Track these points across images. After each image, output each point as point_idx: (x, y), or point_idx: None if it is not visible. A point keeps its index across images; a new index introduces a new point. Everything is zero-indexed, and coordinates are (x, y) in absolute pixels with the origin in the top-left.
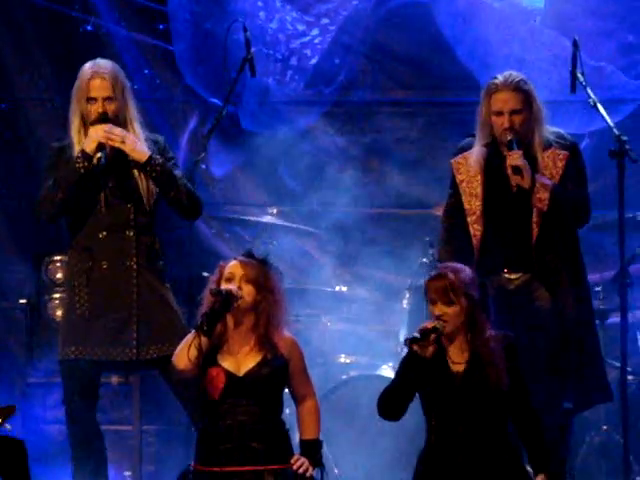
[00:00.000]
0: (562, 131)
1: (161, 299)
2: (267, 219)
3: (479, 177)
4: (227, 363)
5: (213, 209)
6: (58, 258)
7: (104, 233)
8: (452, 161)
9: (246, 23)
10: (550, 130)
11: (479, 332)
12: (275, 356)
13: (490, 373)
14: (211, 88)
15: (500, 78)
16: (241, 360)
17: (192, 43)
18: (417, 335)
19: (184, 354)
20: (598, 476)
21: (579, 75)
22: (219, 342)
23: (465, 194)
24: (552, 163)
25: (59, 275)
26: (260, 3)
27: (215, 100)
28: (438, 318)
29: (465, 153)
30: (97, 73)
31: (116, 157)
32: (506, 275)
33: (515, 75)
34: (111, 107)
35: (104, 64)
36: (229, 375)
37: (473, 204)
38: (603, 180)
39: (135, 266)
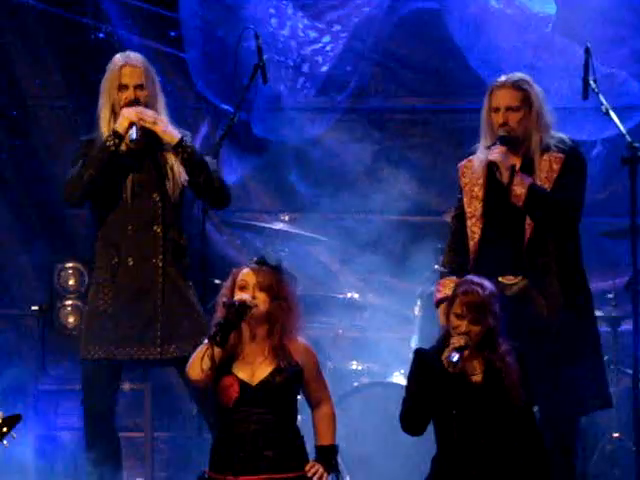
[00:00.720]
0: (565, 136)
1: (184, 298)
2: (279, 226)
3: (481, 180)
4: (241, 372)
5: (225, 216)
6: (70, 265)
7: (131, 228)
8: (459, 165)
9: (258, 30)
10: (553, 135)
11: (496, 347)
12: (289, 364)
13: (509, 387)
14: (223, 95)
15: (503, 77)
16: (255, 369)
17: (204, 50)
18: (457, 357)
19: (197, 365)
20: None
21: (591, 82)
22: (233, 350)
23: (467, 196)
24: (548, 166)
25: (71, 282)
26: (272, 10)
27: (227, 107)
28: (462, 333)
29: (471, 157)
30: (129, 61)
31: (144, 146)
32: (502, 280)
33: (519, 75)
34: (143, 94)
35: (135, 55)
36: (243, 384)
37: (473, 206)
38: (615, 187)
39: (161, 264)
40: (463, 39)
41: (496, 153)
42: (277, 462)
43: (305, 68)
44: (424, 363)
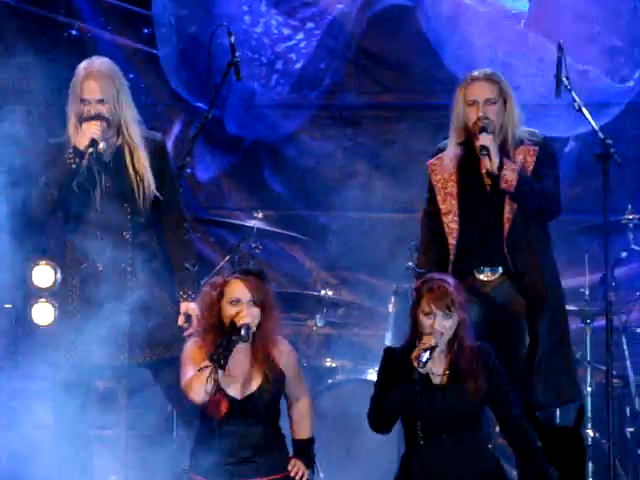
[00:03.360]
0: (534, 130)
1: (155, 302)
2: (252, 223)
3: (454, 176)
4: (229, 387)
5: (198, 213)
6: (43, 263)
7: (99, 234)
8: (428, 163)
9: (231, 27)
10: (523, 129)
11: (462, 344)
12: (274, 373)
13: (469, 384)
14: (196, 92)
15: (474, 72)
16: (243, 383)
17: (177, 47)
18: (426, 356)
19: (201, 389)
20: None
21: (564, 79)
22: None
23: (440, 194)
24: (523, 159)
25: (45, 281)
26: (245, 7)
27: (200, 104)
28: (433, 331)
29: (440, 154)
30: (90, 74)
31: (113, 156)
32: (481, 277)
33: (489, 70)
34: (103, 109)
35: (98, 64)
36: (231, 400)
37: (449, 203)
38: (588, 183)
39: (130, 268)
40: (436, 36)
41: (487, 139)
42: (263, 466)
43: (279, 65)
44: (392, 362)
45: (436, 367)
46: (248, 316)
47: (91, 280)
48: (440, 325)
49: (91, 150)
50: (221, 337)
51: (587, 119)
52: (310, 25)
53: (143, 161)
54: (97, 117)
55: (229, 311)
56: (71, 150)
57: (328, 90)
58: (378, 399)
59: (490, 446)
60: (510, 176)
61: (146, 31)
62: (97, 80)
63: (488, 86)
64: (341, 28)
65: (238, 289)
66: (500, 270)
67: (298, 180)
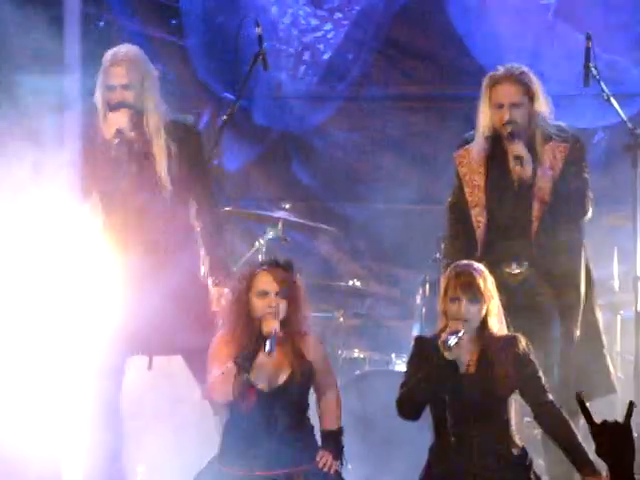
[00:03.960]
0: (563, 124)
1: (185, 289)
2: (279, 214)
3: (482, 169)
4: (257, 379)
5: (225, 203)
6: None
7: (127, 221)
8: (455, 155)
9: (258, 18)
10: (552, 124)
11: (491, 332)
12: (303, 365)
13: (498, 373)
14: (223, 83)
15: (501, 70)
16: (271, 375)
17: (204, 38)
18: (453, 339)
19: (229, 391)
20: None
21: (592, 69)
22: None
23: (468, 186)
24: (552, 156)
25: None
26: None
27: (228, 95)
28: (460, 317)
29: (467, 146)
30: (116, 60)
31: (140, 144)
32: (508, 270)
33: (517, 67)
34: (129, 95)
35: (125, 51)
36: (259, 392)
37: (476, 196)
38: (616, 174)
39: (163, 256)
40: (464, 26)
41: (520, 149)
42: (291, 457)
43: (306, 56)
44: (423, 350)
45: (465, 355)
46: (272, 321)
47: (129, 268)
48: (466, 310)
49: (117, 140)
50: (250, 334)
51: (616, 109)
52: (338, 16)
53: (162, 152)
54: (122, 105)
55: (257, 304)
56: (100, 142)
57: (356, 81)
58: (407, 385)
59: (518, 437)
60: (544, 184)
61: (174, 22)
62: (123, 65)
63: (514, 89)
64: (369, 19)
65: (265, 281)
66: (526, 264)
67: (325, 171)
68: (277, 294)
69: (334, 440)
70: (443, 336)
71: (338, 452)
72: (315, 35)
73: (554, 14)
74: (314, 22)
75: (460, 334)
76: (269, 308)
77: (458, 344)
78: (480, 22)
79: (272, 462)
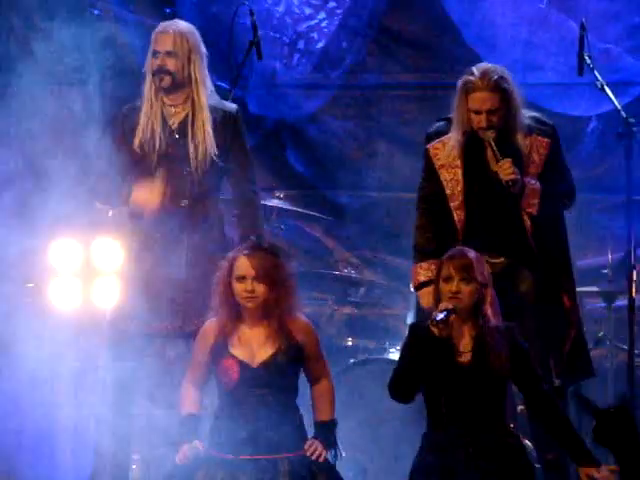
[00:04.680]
0: (538, 114)
1: (205, 274)
2: (274, 203)
3: (459, 162)
4: (241, 353)
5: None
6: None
7: (159, 201)
8: (428, 147)
9: (253, 7)
10: (528, 115)
11: (485, 321)
12: (289, 344)
13: (494, 362)
14: (218, 72)
15: (477, 74)
16: (255, 350)
17: (198, 27)
18: (441, 316)
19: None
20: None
21: (586, 57)
22: (230, 332)
23: (446, 180)
24: (535, 150)
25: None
26: None
27: (222, 84)
28: (453, 296)
29: (442, 138)
30: (165, 29)
31: (180, 120)
32: (489, 259)
33: (492, 72)
34: (171, 62)
35: (177, 22)
36: (243, 365)
37: (455, 190)
38: (610, 162)
39: (185, 238)
40: (459, 15)
41: (510, 172)
42: (277, 442)
43: (300, 45)
44: (417, 337)
45: (460, 342)
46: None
47: (147, 247)
48: (458, 288)
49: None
50: (232, 317)
51: (609, 98)
52: (332, 4)
53: (207, 126)
54: (162, 71)
55: (236, 288)
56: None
57: (350, 70)
58: (400, 368)
59: (512, 425)
60: (533, 200)
61: (168, 10)
62: (170, 34)
63: (492, 96)
64: (363, 7)
65: (243, 266)
66: (508, 256)
67: (319, 160)
68: (254, 279)
69: (326, 430)
70: (433, 314)
71: (329, 442)
72: (309, 24)
73: (548, 3)
74: (308, 11)
75: (449, 312)
76: (245, 292)
77: (447, 323)
78: (474, 10)
79: (258, 446)
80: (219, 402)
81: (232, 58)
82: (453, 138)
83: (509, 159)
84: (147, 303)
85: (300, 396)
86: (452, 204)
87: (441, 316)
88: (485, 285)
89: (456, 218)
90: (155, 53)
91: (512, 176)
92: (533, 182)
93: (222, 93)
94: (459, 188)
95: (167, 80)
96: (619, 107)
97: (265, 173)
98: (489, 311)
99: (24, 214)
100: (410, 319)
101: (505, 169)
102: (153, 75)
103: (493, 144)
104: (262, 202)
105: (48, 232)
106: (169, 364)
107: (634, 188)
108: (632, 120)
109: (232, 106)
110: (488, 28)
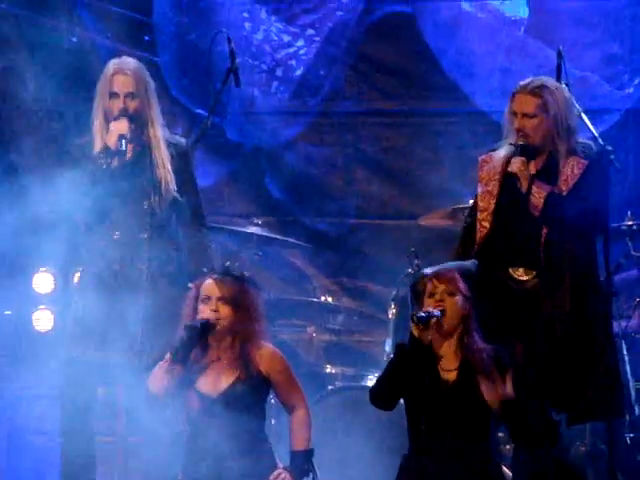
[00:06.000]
0: (591, 142)
1: (167, 305)
2: (252, 229)
3: (498, 176)
4: (204, 384)
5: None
6: (44, 270)
7: (118, 233)
8: (479, 158)
9: (231, 34)
10: (580, 141)
11: (472, 341)
12: (249, 373)
13: (480, 382)
14: (196, 99)
15: (525, 80)
16: (217, 380)
17: (177, 54)
18: (422, 314)
19: (160, 382)
20: None
21: (564, 85)
22: (198, 362)
23: (482, 191)
24: (570, 170)
25: (45, 288)
26: (245, 14)
27: (200, 111)
28: (437, 304)
29: (492, 152)
30: (121, 69)
31: (136, 155)
32: (512, 272)
33: (539, 80)
34: (133, 104)
35: (128, 61)
36: (203, 397)
37: (487, 201)
38: None
39: (146, 269)
40: (436, 43)
41: (515, 164)
42: (240, 473)
43: (279, 72)
44: (404, 355)
45: (446, 359)
46: (205, 312)
47: (107, 280)
48: (442, 297)
49: (122, 147)
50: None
51: (587, 125)
52: (310, 32)
53: (164, 161)
54: (124, 114)
55: (202, 310)
56: (100, 150)
57: (328, 97)
58: (384, 375)
59: (495, 452)
60: (537, 202)
61: (147, 38)
62: (128, 74)
63: (528, 99)
64: (341, 35)
65: (209, 287)
66: (533, 273)
67: (298, 187)
68: (219, 299)
69: (298, 461)
70: (415, 310)
71: (302, 472)
72: (287, 51)
73: (525, 30)
74: (286, 38)
75: (431, 314)
76: (209, 312)
77: (427, 325)
78: (452, 38)
79: (220, 477)
80: (188, 431)
81: (210, 85)
82: (501, 151)
83: (523, 158)
84: (102, 334)
85: (281, 424)
86: (480, 215)
87: (422, 314)
88: (470, 299)
89: (479, 228)
90: (113, 95)
91: (514, 168)
92: (544, 185)
93: (201, 120)
94: (492, 200)
95: (130, 125)
96: (596, 134)
97: (243, 199)
98: (472, 329)
99: None
100: (388, 346)
101: (514, 163)
102: (115, 119)
103: (518, 149)
104: (241, 229)
105: None
106: None
107: (611, 215)
108: (609, 147)
109: (182, 140)
110: (465, 55)
